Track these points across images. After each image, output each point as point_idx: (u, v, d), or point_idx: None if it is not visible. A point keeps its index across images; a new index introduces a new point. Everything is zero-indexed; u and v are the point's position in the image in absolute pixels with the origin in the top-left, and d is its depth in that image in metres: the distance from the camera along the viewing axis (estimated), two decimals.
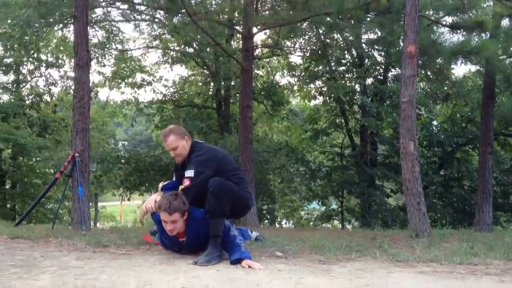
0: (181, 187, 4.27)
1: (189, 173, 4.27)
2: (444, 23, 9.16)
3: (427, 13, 8.97)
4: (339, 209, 18.46)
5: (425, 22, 8.86)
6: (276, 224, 20.23)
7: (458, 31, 8.85)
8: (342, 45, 15.68)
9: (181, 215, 4.13)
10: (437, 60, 10.41)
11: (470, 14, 8.82)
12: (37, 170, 18.32)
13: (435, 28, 9.39)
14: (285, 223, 21.92)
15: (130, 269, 3.78)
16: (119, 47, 16.78)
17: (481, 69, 11.17)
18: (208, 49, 15.76)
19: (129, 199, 19.20)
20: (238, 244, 4.15)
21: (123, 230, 6.35)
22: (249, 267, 3.88)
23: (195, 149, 4.48)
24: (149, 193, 18.14)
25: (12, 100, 18.04)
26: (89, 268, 3.79)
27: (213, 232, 4.16)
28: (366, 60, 16.69)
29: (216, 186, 4.15)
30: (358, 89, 17.09)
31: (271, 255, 4.41)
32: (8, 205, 18.06)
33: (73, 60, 8.08)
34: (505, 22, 9.54)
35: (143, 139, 42.80)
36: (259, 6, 12.72)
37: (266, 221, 18.27)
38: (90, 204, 8.13)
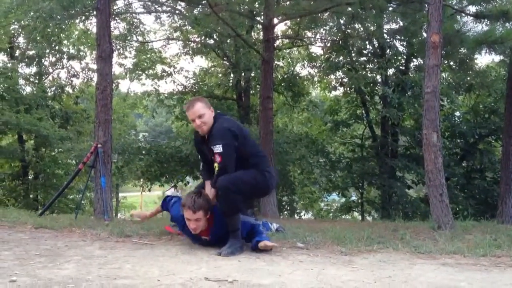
0: (215, 165, 4.08)
1: (218, 148, 4.06)
2: (468, 12, 9.01)
3: (450, 2, 8.84)
4: (359, 200, 18.38)
5: (449, 11, 8.72)
6: (296, 215, 20.25)
7: (482, 20, 8.69)
8: (363, 35, 15.50)
9: (204, 213, 4.12)
10: (461, 50, 10.27)
11: (495, 3, 8.66)
12: (59, 161, 18.58)
13: (458, 17, 9.25)
14: (304, 214, 21.92)
15: (152, 258, 3.81)
16: (140, 39, 16.85)
17: (505, 59, 10.99)
18: (228, 40, 15.75)
19: (149, 190, 19.35)
20: (260, 232, 4.25)
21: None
22: (265, 245, 4.05)
23: (218, 120, 4.28)
24: (169, 183, 18.29)
25: (35, 91, 18.25)
26: (112, 257, 3.83)
27: (231, 228, 4.14)
28: (388, 50, 16.51)
29: (224, 187, 4.02)
30: (379, 80, 16.94)
31: (292, 246, 4.40)
32: (31, 196, 18.34)
33: (94, 52, 8.14)
34: None
35: (163, 130, 43.02)
36: None
37: (285, 212, 18.28)
38: (112, 194, 8.21)
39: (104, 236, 4.82)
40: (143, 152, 16.82)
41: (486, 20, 8.70)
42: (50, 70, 19.70)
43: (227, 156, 4.07)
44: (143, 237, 4.79)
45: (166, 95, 18.43)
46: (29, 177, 18.72)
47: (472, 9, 9.15)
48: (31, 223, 5.47)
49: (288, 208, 19.72)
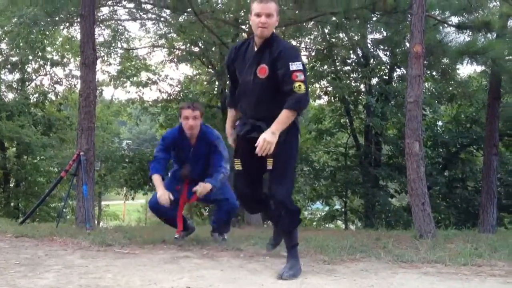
0: (297, 85, 3.42)
1: (298, 65, 3.45)
2: (450, 23, 9.14)
3: (433, 13, 8.95)
4: (343, 209, 18.43)
5: (432, 22, 8.84)
6: None
7: (465, 31, 8.83)
8: (347, 44, 15.65)
9: (200, 114, 4.88)
10: (443, 60, 10.40)
11: (477, 14, 8.80)
12: (41, 169, 18.37)
13: (441, 28, 9.37)
14: None
15: (134, 268, 3.78)
16: (125, 46, 16.81)
17: (487, 69, 11.15)
18: (213, 48, 15.76)
19: (133, 198, 19.22)
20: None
21: (127, 229, 6.36)
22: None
23: (276, 38, 3.67)
24: (153, 192, 18.19)
25: (17, 98, 18.08)
26: (93, 267, 3.79)
27: (290, 243, 3.76)
28: (372, 60, 16.65)
29: (281, 202, 3.60)
30: (363, 89, 17.07)
31: (275, 255, 4.40)
32: (12, 204, 18.11)
33: (78, 59, 8.09)
34: (511, 22, 9.52)
35: (147, 138, 42.85)
36: None
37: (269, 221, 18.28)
38: (95, 203, 8.15)
39: (86, 245, 4.77)
40: (127, 160, 16.74)
41: (468, 31, 8.84)
42: (34, 77, 19.54)
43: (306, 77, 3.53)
44: (125, 246, 4.75)
45: (150, 102, 18.36)
46: (11, 185, 18.50)
47: (455, 20, 9.29)
48: (11, 232, 5.40)
49: None
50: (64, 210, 15.79)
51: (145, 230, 5.65)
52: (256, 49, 3.59)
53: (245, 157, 3.71)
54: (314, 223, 19.54)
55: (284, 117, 3.41)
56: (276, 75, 3.48)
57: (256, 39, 3.59)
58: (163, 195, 4.67)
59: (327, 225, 18.55)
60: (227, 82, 15.94)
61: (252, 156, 3.46)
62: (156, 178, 4.86)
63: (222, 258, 4.28)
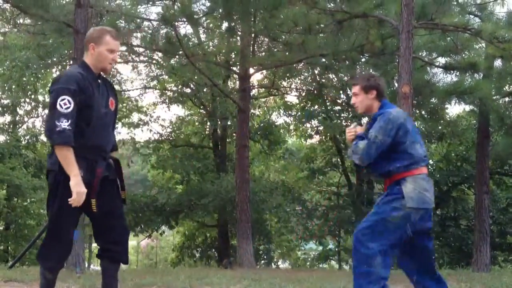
0: None
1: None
2: (437, 64, 9.33)
3: (420, 54, 9.14)
4: (336, 249, 18.31)
5: (419, 63, 9.01)
6: (273, 264, 20.06)
7: (452, 72, 9.00)
8: (337, 85, 15.87)
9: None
10: (432, 100, 10.54)
11: (463, 55, 8.98)
12: (32, 211, 18.14)
13: (428, 68, 9.55)
14: (282, 263, 21.72)
15: None
16: (117, 87, 16.92)
17: (475, 108, 11.30)
18: (205, 89, 15.93)
19: None
20: None
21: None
22: None
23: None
24: (144, 233, 18.01)
25: (8, 141, 18.03)
26: None
27: None
28: None
29: None
30: None
31: None
32: (1, 247, 17.82)
33: None
34: (497, 63, 9.72)
35: (138, 179, 42.58)
36: (255, 47, 12.94)
37: (262, 261, 18.09)
38: (85, 245, 8.05)
39: None
40: None
41: (455, 71, 9.02)
42: (25, 119, 19.55)
43: None
44: None
45: (142, 143, 18.39)
46: (0, 228, 18.23)
47: (442, 61, 9.49)
48: (0, 276, 5.31)
49: (265, 257, 19.52)
50: None
51: (136, 273, 5.57)
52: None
53: None
54: (308, 263, 19.37)
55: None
56: None
57: (95, 71, 3.38)
58: None
59: (320, 265, 18.39)
60: (219, 123, 16.16)
61: None
62: None
63: None
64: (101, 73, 3.38)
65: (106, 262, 3.24)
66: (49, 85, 3.73)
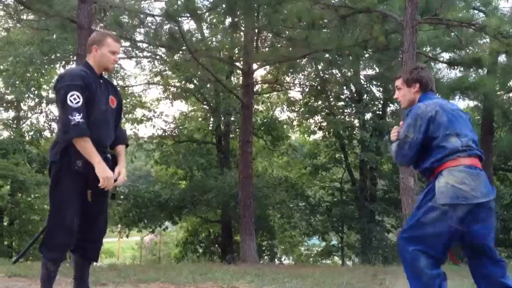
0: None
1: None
2: (441, 59, 9.30)
3: (424, 49, 9.11)
4: (339, 245, 18.30)
5: (423, 58, 8.99)
6: (276, 260, 20.08)
7: (456, 68, 8.97)
8: (341, 80, 15.84)
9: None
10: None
11: (467, 51, 8.96)
12: (36, 207, 18.19)
13: (432, 64, 9.52)
14: (285, 259, 21.74)
15: None
16: (121, 83, 16.93)
17: (479, 104, 11.28)
18: (208, 85, 15.91)
19: (127, 236, 19.03)
20: None
21: (121, 267, 6.28)
22: None
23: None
24: (148, 229, 18.04)
25: (12, 136, 18.07)
26: None
27: None
28: (365, 95, 16.82)
29: None
30: (357, 124, 17.18)
31: None
32: (5, 242, 17.87)
33: None
34: (502, 58, 9.70)
35: (142, 174, 42.62)
36: (259, 43, 12.92)
37: (265, 257, 18.10)
38: None
39: None
40: (121, 197, 16.63)
41: (459, 67, 8.99)
42: (29, 115, 19.58)
43: None
44: (119, 285, 4.69)
45: (145, 139, 18.41)
46: (4, 223, 18.29)
47: (446, 56, 9.46)
48: (4, 272, 5.33)
49: (268, 253, 19.53)
50: None
51: (140, 268, 5.58)
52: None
53: None
54: (311, 259, 19.37)
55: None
56: None
57: (98, 71, 3.50)
58: None
59: (323, 261, 18.38)
60: (222, 119, 16.16)
61: None
62: None
63: None
64: (103, 73, 3.56)
65: (78, 257, 3.46)
66: (54, 82, 3.88)
